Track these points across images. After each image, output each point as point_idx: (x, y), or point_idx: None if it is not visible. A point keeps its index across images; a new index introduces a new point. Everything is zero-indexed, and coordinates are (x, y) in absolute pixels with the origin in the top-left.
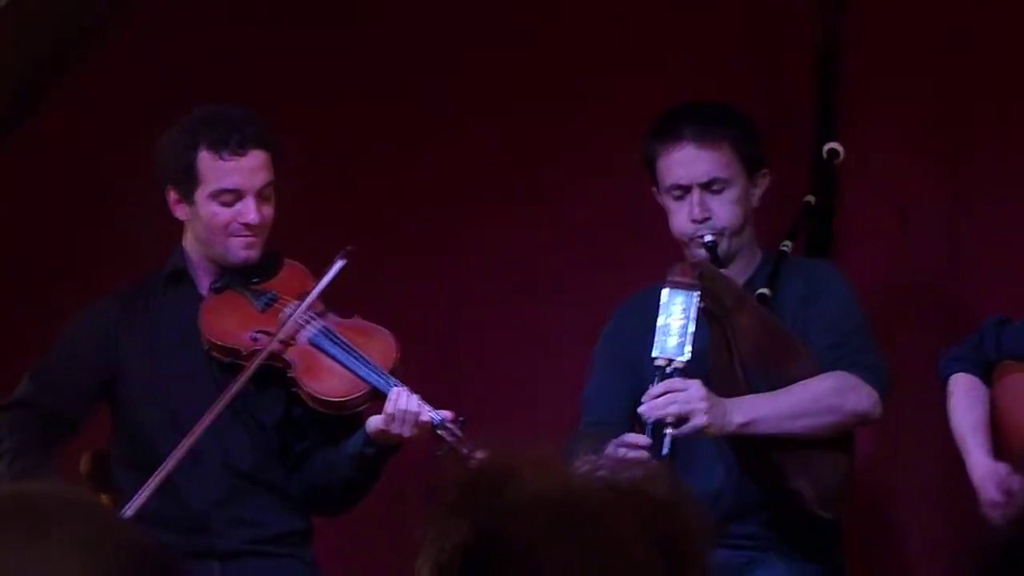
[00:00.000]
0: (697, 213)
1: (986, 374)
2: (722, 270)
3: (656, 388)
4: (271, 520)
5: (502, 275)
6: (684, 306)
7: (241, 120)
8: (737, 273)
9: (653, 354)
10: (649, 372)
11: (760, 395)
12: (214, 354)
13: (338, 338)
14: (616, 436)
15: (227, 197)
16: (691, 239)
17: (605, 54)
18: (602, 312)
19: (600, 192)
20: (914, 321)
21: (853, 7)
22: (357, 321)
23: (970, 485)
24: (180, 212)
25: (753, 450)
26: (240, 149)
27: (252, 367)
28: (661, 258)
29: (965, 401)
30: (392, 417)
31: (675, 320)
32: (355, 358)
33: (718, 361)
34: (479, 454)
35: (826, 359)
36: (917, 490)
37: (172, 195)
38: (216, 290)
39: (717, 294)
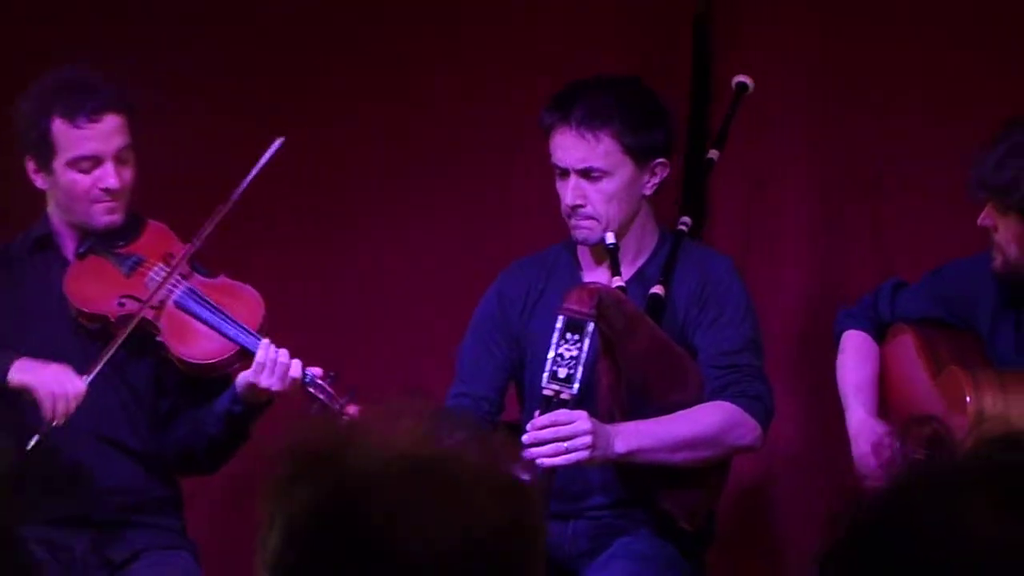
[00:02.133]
0: (570, 199)
1: (879, 334)
2: (618, 279)
3: (541, 419)
4: (141, 487)
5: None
6: (579, 336)
7: (94, 84)
8: (628, 262)
9: (542, 383)
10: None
11: (644, 423)
12: (81, 321)
13: (204, 299)
14: (483, 409)
15: (85, 164)
16: (569, 219)
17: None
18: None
19: (495, 168)
20: (777, 285)
21: None
22: (223, 280)
23: (846, 450)
24: (39, 181)
25: (628, 472)
26: (94, 115)
27: (122, 336)
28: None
29: (854, 358)
30: (262, 367)
31: (567, 350)
32: (222, 318)
33: (604, 384)
34: (351, 410)
35: (712, 382)
36: (789, 459)
37: (30, 165)
38: (80, 256)
39: (611, 319)
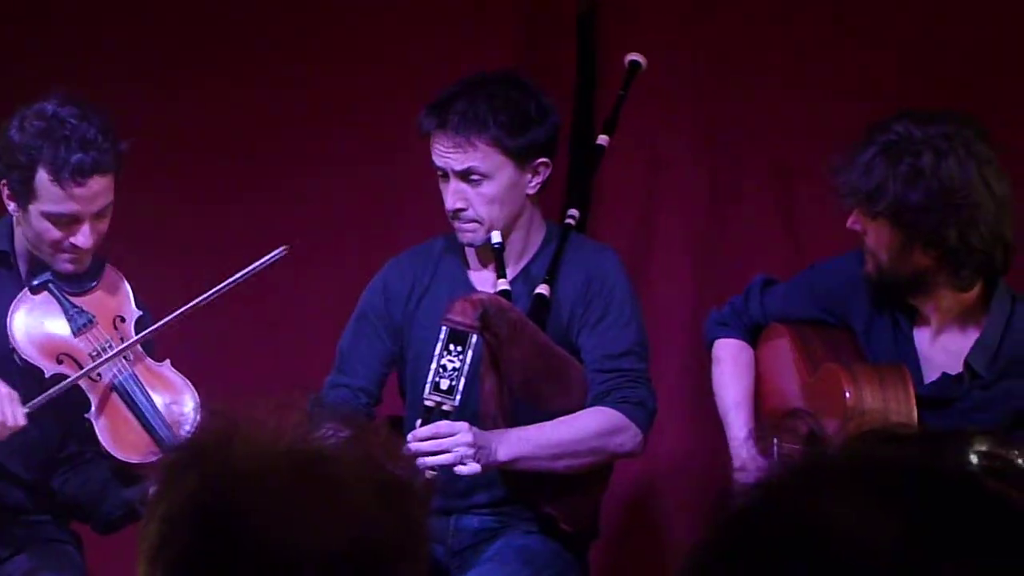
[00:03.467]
0: (451, 203)
1: (752, 337)
2: (503, 282)
3: (423, 430)
4: (26, 509)
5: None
6: (462, 348)
7: (85, 139)
8: (514, 260)
9: (424, 393)
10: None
11: (527, 430)
12: (15, 358)
13: (143, 390)
14: (361, 400)
15: (62, 220)
16: (452, 221)
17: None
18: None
19: (375, 157)
20: (670, 275)
21: None
22: (166, 370)
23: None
24: (11, 207)
25: (511, 475)
26: (81, 178)
27: (51, 392)
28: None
29: (731, 371)
30: None
31: (450, 361)
32: (154, 415)
33: (487, 390)
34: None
35: (596, 386)
36: (673, 453)
37: (5, 190)
38: (33, 288)
39: (495, 328)
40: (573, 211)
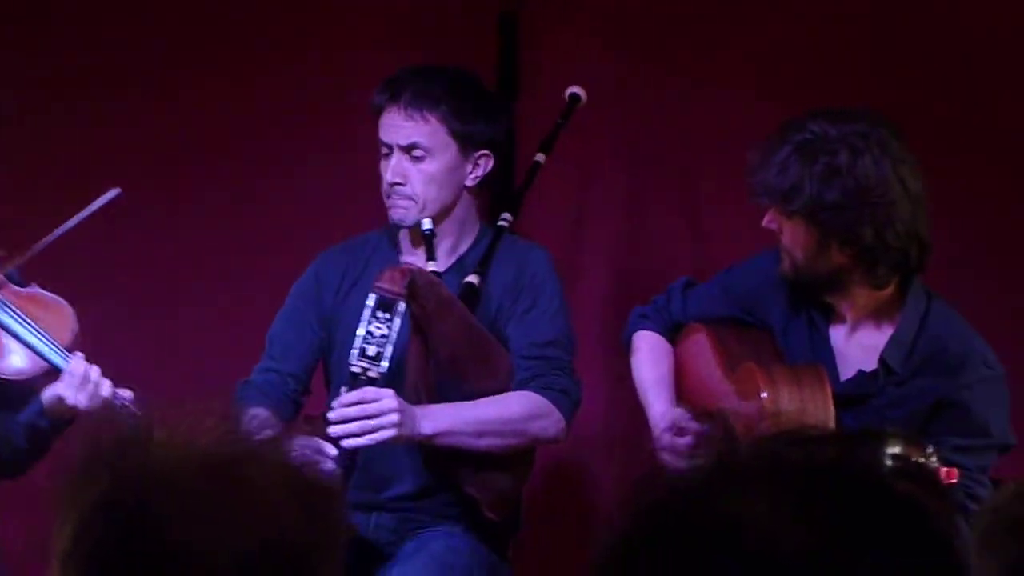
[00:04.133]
0: (390, 176)
1: (672, 334)
2: (432, 264)
3: (348, 396)
4: None
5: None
6: (389, 315)
7: None
8: (447, 252)
9: (350, 360)
10: (341, 359)
11: (451, 406)
12: None
13: (14, 311)
14: (289, 386)
15: None
16: (387, 198)
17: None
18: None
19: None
20: (593, 286)
21: None
22: (35, 291)
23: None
24: None
25: (433, 455)
26: None
27: None
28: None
29: (649, 357)
30: (71, 383)
31: (378, 328)
32: (32, 332)
33: (413, 365)
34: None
35: (522, 372)
36: (595, 447)
37: None
38: None
39: (423, 300)
40: (506, 215)
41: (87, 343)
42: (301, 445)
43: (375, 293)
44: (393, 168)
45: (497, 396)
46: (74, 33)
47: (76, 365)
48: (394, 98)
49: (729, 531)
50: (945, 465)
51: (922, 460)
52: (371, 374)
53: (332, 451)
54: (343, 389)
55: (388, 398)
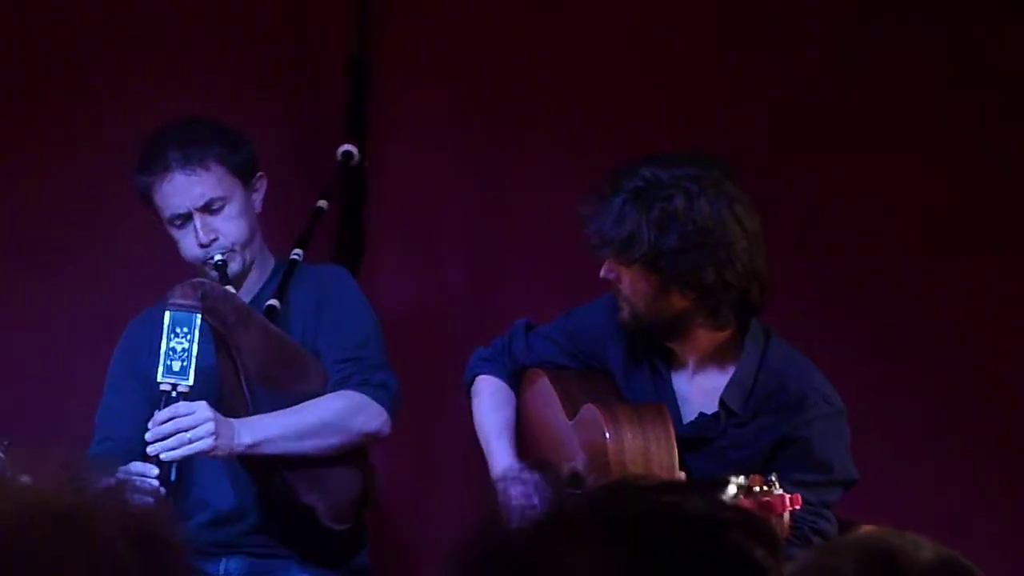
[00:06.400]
0: (203, 237)
1: (514, 378)
2: (230, 287)
3: (161, 414)
4: None
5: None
6: (188, 329)
7: None
8: (250, 284)
9: (158, 379)
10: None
11: (268, 415)
12: None
13: None
14: (125, 452)
15: None
16: (204, 263)
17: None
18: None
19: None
20: (444, 326)
21: (385, 11)
22: None
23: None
24: None
25: (264, 469)
26: None
27: None
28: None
29: (490, 402)
30: None
31: (179, 343)
32: None
33: (225, 380)
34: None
35: (336, 374)
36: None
37: None
38: None
39: (221, 313)
40: (298, 251)
41: None
42: (123, 471)
43: (169, 310)
44: (202, 229)
45: (315, 399)
46: None
47: None
48: (165, 168)
49: None
50: (789, 492)
51: (766, 487)
52: (180, 388)
53: (153, 471)
54: (156, 412)
55: (201, 409)
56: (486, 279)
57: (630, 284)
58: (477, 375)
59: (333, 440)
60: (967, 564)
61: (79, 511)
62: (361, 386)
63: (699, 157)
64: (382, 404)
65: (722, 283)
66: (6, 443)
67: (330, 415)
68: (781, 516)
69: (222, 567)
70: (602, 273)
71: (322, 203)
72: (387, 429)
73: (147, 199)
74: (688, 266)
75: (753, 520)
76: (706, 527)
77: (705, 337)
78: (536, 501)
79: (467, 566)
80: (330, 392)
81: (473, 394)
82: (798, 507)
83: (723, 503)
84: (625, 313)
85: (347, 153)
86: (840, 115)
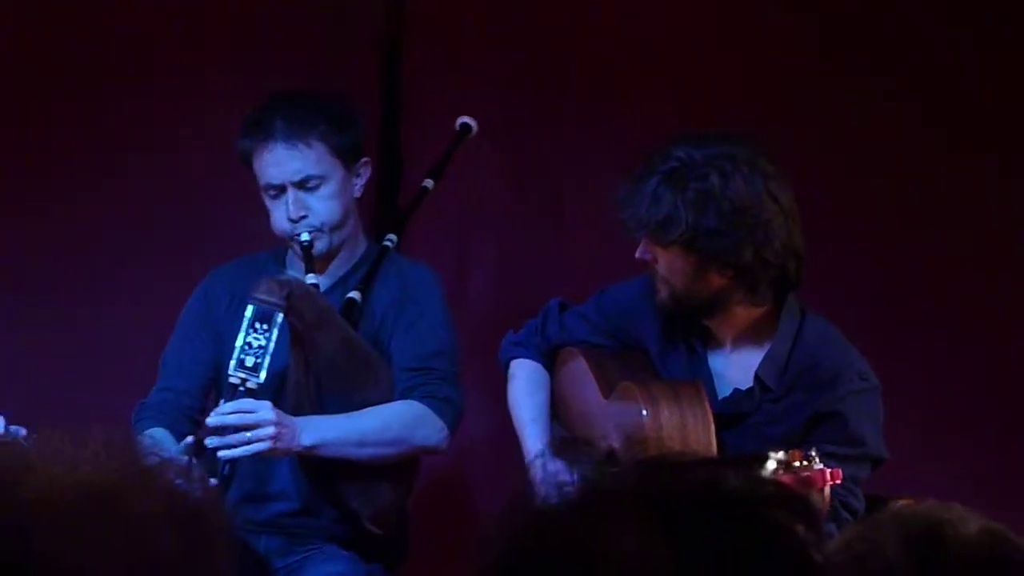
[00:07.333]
0: (293, 212)
1: (548, 358)
2: (312, 278)
3: (225, 407)
4: None
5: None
6: (268, 326)
7: None
8: (335, 267)
9: (228, 371)
10: (225, 372)
11: (331, 417)
12: None
13: None
14: (184, 403)
15: None
16: (291, 238)
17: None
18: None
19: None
20: (478, 311)
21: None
22: None
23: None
24: None
25: (316, 467)
26: None
27: None
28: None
29: (526, 387)
30: None
31: (256, 339)
32: None
33: (294, 377)
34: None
35: (404, 383)
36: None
37: None
38: None
39: (301, 311)
40: (391, 236)
41: None
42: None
43: (253, 304)
44: (294, 205)
45: (379, 406)
46: None
47: None
48: (268, 136)
49: (595, 558)
50: (828, 466)
51: (806, 462)
52: (249, 385)
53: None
54: (222, 400)
55: (265, 410)
56: (521, 262)
57: (667, 265)
58: (510, 359)
59: (391, 450)
60: (1014, 538)
61: (120, 489)
62: (427, 399)
63: (732, 134)
64: (444, 419)
65: (760, 261)
66: (30, 435)
67: (391, 425)
68: (821, 491)
69: (262, 544)
70: (638, 254)
71: (428, 183)
72: (445, 445)
73: (247, 162)
74: (726, 245)
75: (793, 496)
76: (745, 503)
77: (743, 314)
78: (573, 478)
79: (503, 543)
80: (396, 399)
81: (509, 378)
82: (839, 482)
83: (762, 479)
84: (663, 294)
85: (465, 125)
86: (874, 104)
